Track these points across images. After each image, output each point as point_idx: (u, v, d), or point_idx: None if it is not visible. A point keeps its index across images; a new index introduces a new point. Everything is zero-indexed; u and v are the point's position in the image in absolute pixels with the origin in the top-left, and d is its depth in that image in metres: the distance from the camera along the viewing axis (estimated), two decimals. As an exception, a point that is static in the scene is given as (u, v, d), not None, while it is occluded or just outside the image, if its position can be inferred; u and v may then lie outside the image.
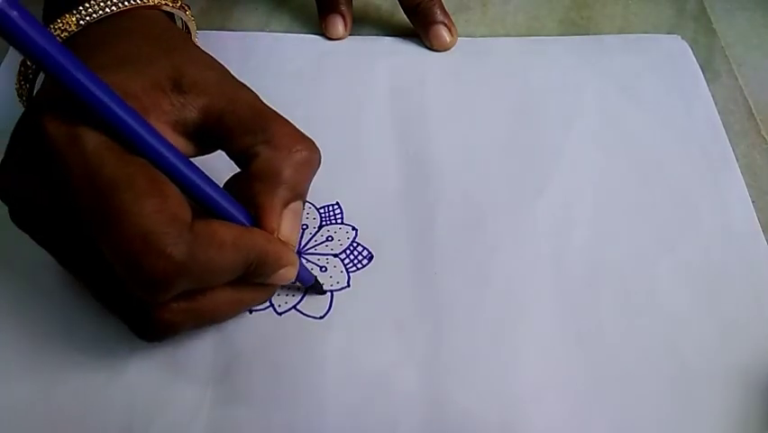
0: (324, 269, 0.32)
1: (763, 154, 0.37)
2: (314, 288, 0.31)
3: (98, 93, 0.22)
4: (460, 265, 0.32)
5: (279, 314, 0.30)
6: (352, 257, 0.32)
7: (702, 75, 0.40)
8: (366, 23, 0.42)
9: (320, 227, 0.33)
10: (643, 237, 0.33)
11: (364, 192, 0.34)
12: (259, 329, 0.30)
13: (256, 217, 0.26)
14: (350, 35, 0.41)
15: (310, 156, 0.27)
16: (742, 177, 0.35)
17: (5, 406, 0.28)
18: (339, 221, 0.33)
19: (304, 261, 0.32)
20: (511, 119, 0.37)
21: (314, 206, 0.34)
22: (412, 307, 0.31)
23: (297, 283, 0.30)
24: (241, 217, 0.26)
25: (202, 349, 0.29)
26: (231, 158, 0.27)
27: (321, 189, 0.34)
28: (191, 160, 0.27)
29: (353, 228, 0.33)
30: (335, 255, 0.32)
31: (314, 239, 0.33)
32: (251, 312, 0.30)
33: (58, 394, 0.28)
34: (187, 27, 0.34)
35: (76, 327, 0.29)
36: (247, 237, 0.25)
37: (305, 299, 0.31)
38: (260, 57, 0.39)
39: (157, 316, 0.25)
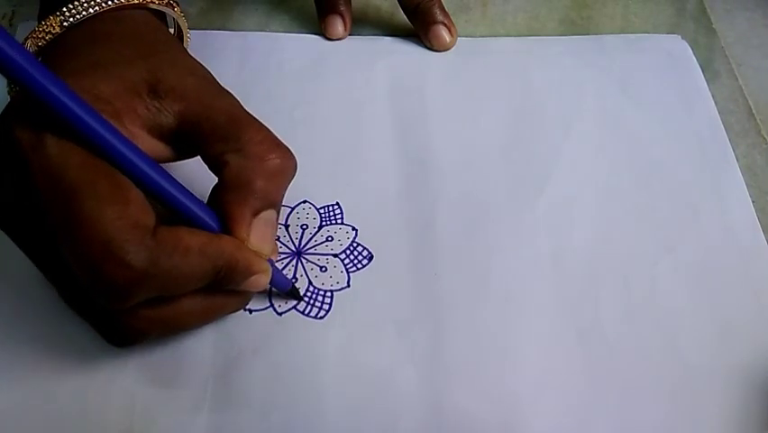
0: (324, 269, 0.32)
1: (763, 154, 0.37)
2: (291, 294, 0.30)
3: (59, 95, 0.22)
4: (460, 265, 0.32)
5: (279, 314, 0.30)
6: (352, 257, 0.32)
7: (702, 75, 0.40)
8: (366, 23, 0.42)
9: (320, 227, 0.33)
10: (643, 237, 0.33)
11: (364, 192, 0.34)
12: (259, 329, 0.30)
13: (226, 227, 0.26)
14: (350, 35, 0.41)
15: (284, 164, 0.27)
16: (742, 177, 0.35)
17: (5, 406, 0.28)
18: (339, 221, 0.33)
19: (304, 261, 0.32)
20: (511, 119, 0.37)
21: (314, 206, 0.34)
22: (412, 307, 0.31)
23: (275, 289, 0.30)
24: (212, 224, 0.26)
25: (202, 349, 0.29)
26: (206, 164, 0.27)
27: (321, 189, 0.34)
28: (171, 164, 0.27)
29: (353, 228, 0.33)
30: (335, 255, 0.32)
31: (314, 239, 0.33)
32: (250, 312, 0.30)
33: (58, 394, 0.28)
34: (178, 25, 0.33)
35: (76, 326, 0.29)
36: (215, 244, 0.25)
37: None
38: (260, 57, 0.39)
39: (124, 322, 0.25)
